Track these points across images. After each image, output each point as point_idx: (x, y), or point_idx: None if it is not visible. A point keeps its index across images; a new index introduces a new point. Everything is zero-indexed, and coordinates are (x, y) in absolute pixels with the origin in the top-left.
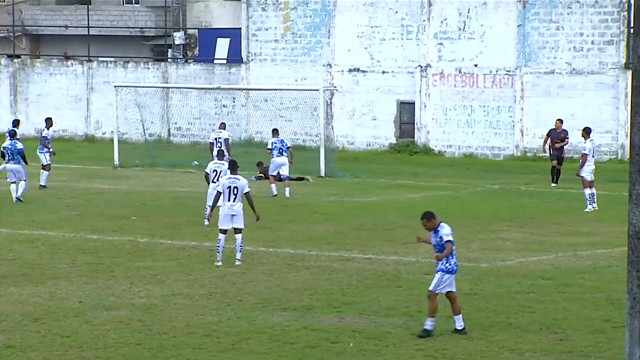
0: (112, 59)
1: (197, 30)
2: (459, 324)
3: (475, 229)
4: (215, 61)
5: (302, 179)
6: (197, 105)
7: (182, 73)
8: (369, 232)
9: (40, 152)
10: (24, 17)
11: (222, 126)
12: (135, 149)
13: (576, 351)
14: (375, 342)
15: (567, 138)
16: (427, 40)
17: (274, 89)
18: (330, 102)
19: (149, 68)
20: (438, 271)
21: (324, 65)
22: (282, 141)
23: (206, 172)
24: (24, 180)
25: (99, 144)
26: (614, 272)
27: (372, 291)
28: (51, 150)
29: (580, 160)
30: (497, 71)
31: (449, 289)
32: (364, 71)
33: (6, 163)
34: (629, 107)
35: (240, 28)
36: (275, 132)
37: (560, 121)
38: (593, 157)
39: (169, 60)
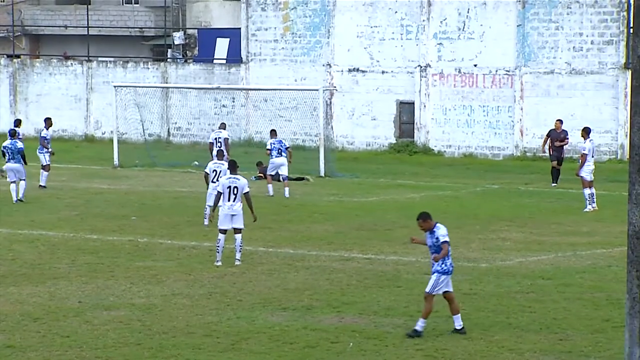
0: (111, 59)
1: (196, 30)
2: (458, 323)
3: (475, 229)
4: (215, 61)
5: (302, 178)
6: (197, 105)
7: (182, 73)
8: (369, 232)
9: (40, 153)
10: (23, 17)
11: (222, 126)
12: (135, 149)
13: (576, 351)
14: (375, 342)
15: (567, 138)
16: (426, 40)
17: (274, 89)
18: (330, 102)
19: (148, 68)
20: (434, 272)
21: (323, 65)
22: (280, 142)
23: (206, 172)
24: (24, 180)
25: (98, 144)
26: (614, 272)
27: (372, 291)
28: (50, 150)
29: (580, 160)
30: (496, 71)
31: (446, 289)
32: (363, 71)
33: (6, 162)
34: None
35: (239, 28)
36: (273, 132)
37: (560, 121)
38: (593, 157)
39: (168, 60)
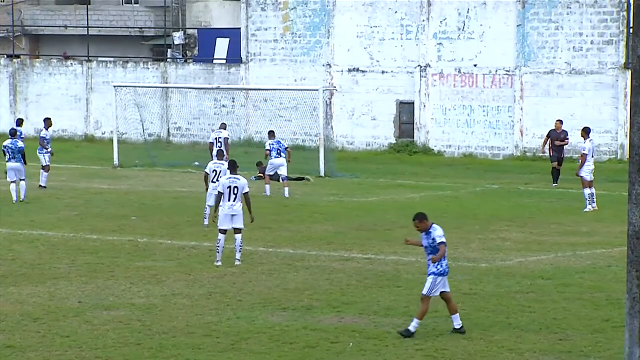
0: (111, 59)
1: (196, 30)
2: (457, 322)
3: (474, 229)
4: (215, 61)
5: (302, 178)
6: (197, 105)
7: (182, 73)
8: (369, 232)
9: (39, 153)
10: (23, 17)
11: (223, 126)
12: (135, 148)
13: (576, 351)
14: (374, 341)
15: (567, 139)
16: (426, 40)
17: (274, 89)
18: (330, 102)
19: (148, 68)
20: (430, 274)
21: (323, 65)
22: (279, 142)
23: (206, 172)
24: (24, 181)
25: (98, 143)
26: (614, 272)
27: (372, 291)
28: (50, 150)
29: (580, 160)
30: (496, 71)
31: (443, 290)
32: (363, 71)
33: (7, 162)
34: (628, 107)
35: (239, 28)
36: (271, 133)
37: (560, 122)
38: (592, 157)
39: (168, 60)
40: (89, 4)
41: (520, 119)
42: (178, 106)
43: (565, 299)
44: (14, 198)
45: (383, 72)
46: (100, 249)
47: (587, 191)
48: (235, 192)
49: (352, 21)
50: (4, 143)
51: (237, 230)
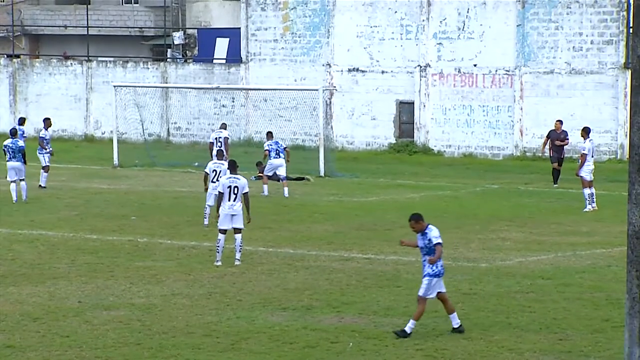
0: (111, 59)
1: (196, 30)
2: (455, 322)
3: (474, 229)
4: (215, 61)
5: (302, 178)
6: (197, 105)
7: (182, 73)
8: (369, 232)
9: (39, 153)
10: (23, 17)
11: (223, 126)
12: (135, 148)
13: (576, 351)
14: (374, 342)
15: (567, 139)
16: (426, 40)
17: (274, 89)
18: (330, 102)
19: (148, 68)
20: (425, 275)
21: (323, 65)
22: (277, 143)
23: (205, 172)
24: (24, 181)
25: (98, 143)
26: (614, 272)
27: (372, 291)
28: (50, 150)
29: (580, 160)
30: (496, 71)
31: (439, 290)
32: (363, 71)
33: (7, 161)
34: (628, 107)
35: (239, 28)
36: (269, 134)
37: (560, 122)
38: (592, 157)
39: (168, 60)
40: (89, 4)
41: (520, 119)
42: (178, 106)
43: (565, 299)
44: (14, 198)
45: (383, 72)
46: (100, 249)
47: (587, 191)
48: (236, 192)
49: (352, 21)
50: (5, 142)
51: (237, 230)
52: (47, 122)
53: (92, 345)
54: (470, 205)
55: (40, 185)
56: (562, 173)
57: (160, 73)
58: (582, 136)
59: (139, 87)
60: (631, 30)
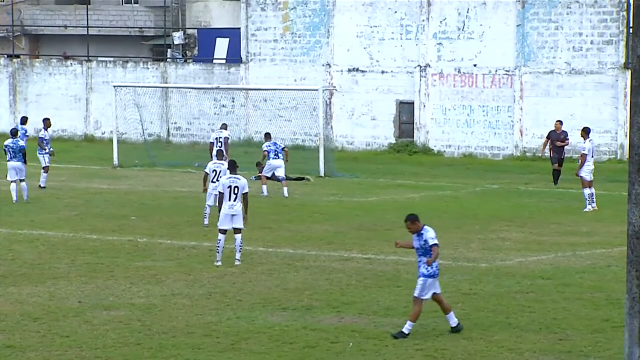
0: (111, 59)
1: (196, 30)
2: (453, 321)
3: (474, 229)
4: (215, 61)
5: (302, 178)
6: (197, 105)
7: (182, 73)
8: (369, 232)
9: (39, 154)
10: (23, 17)
11: (224, 126)
12: (135, 148)
13: (575, 351)
14: (374, 342)
15: (567, 139)
16: (426, 40)
17: (273, 89)
18: (330, 102)
19: (148, 68)
20: (420, 276)
21: (323, 65)
22: (275, 144)
23: (205, 172)
24: (24, 181)
25: (98, 143)
26: (613, 272)
27: (372, 291)
28: (51, 150)
29: (580, 160)
30: (496, 71)
31: (434, 291)
32: (363, 71)
33: (8, 161)
34: (628, 107)
35: (239, 28)
36: (267, 135)
37: (560, 122)
38: (592, 157)
39: (168, 60)
40: (89, 4)
41: (520, 119)
42: (178, 106)
43: (565, 299)
44: (14, 198)
45: (383, 72)
46: (100, 249)
47: (587, 191)
48: (236, 192)
49: (352, 21)
50: (5, 142)
51: (237, 230)
52: (46, 123)
53: (92, 345)
54: (470, 206)
55: (40, 186)
56: (562, 173)
57: (160, 73)
58: (582, 136)
59: (138, 87)
60: (631, 30)
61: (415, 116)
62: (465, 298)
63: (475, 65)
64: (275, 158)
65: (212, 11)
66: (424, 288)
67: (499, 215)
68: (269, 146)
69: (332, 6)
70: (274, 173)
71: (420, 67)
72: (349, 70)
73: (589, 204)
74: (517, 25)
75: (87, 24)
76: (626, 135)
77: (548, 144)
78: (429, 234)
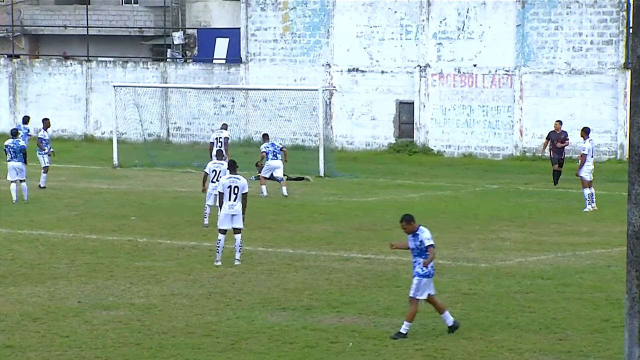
0: (111, 59)
1: (196, 30)
2: (449, 320)
3: (474, 229)
4: (215, 61)
5: (302, 178)
6: (196, 105)
7: (181, 73)
8: (368, 232)
9: (39, 154)
10: (23, 17)
11: (224, 127)
12: (135, 148)
13: (575, 351)
14: (374, 342)
15: (567, 139)
16: (426, 40)
17: (273, 89)
18: (330, 102)
19: (148, 68)
20: (415, 276)
21: (323, 65)
22: (273, 144)
23: (205, 172)
24: (25, 182)
25: (98, 143)
26: (613, 272)
27: (372, 291)
28: (51, 150)
29: (580, 160)
30: (496, 71)
31: (429, 292)
32: (363, 71)
33: (8, 161)
34: (628, 107)
35: (239, 28)
36: (265, 136)
37: (560, 122)
38: (592, 157)
39: (168, 60)
40: (89, 4)
41: (520, 119)
42: (178, 106)
43: (565, 299)
44: (14, 198)
45: (383, 72)
46: (100, 249)
47: (586, 191)
48: (236, 192)
49: (351, 21)
50: (6, 143)
51: (236, 231)
52: (46, 123)
53: (92, 345)
54: (470, 206)
55: (40, 186)
56: (562, 173)
57: (160, 73)
58: (581, 136)
59: (138, 87)
60: (631, 30)
61: (415, 116)
62: (465, 298)
63: (475, 66)
64: (274, 159)
65: (212, 11)
66: (419, 288)
67: (498, 216)
68: (267, 147)
69: (332, 6)
70: (272, 174)
71: (420, 67)
72: (349, 71)
73: (589, 204)
74: (517, 26)
75: (87, 24)
76: (626, 135)
77: (548, 144)
78: (425, 235)
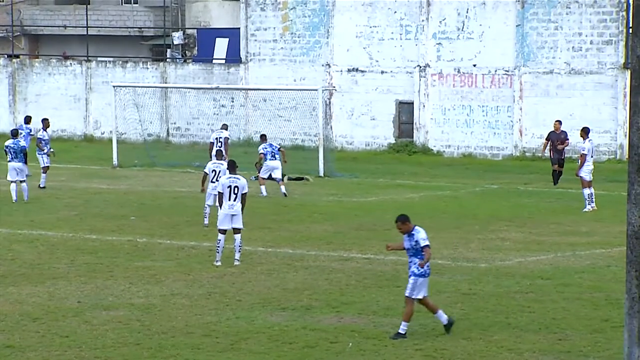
0: (110, 59)
1: (195, 30)
2: (444, 318)
3: (474, 229)
4: (214, 61)
5: (302, 178)
6: (196, 105)
7: (181, 73)
8: (368, 232)
9: (38, 154)
10: (22, 17)
11: (224, 127)
12: (134, 148)
13: (575, 351)
14: (374, 341)
15: (567, 139)
16: (425, 40)
17: (273, 89)
18: (329, 102)
19: (147, 68)
20: (411, 275)
21: (322, 65)
22: (271, 145)
23: (205, 172)
24: (25, 182)
25: (97, 143)
26: (613, 272)
27: (371, 291)
28: (51, 150)
29: (579, 160)
30: (495, 71)
31: (423, 294)
32: (362, 71)
33: (9, 162)
34: (627, 107)
35: (239, 28)
36: (263, 137)
37: (559, 122)
38: (592, 157)
39: (167, 60)
40: (89, 4)
41: (520, 119)
42: (177, 106)
43: (564, 299)
44: (14, 198)
45: (382, 72)
46: (100, 249)
47: (586, 191)
48: (236, 192)
49: (351, 21)
50: (6, 143)
51: (236, 231)
52: (45, 123)
53: (92, 345)
54: (470, 206)
55: (39, 186)
56: (563, 173)
57: (160, 73)
58: (581, 136)
59: (138, 87)
60: (630, 30)
61: (415, 116)
62: (465, 298)
63: (474, 66)
64: (273, 159)
65: (211, 11)
66: (415, 287)
67: (498, 216)
68: (265, 148)
69: (332, 6)
70: (271, 174)
71: (420, 67)
72: (349, 71)
73: (589, 204)
74: (516, 26)
75: (87, 24)
76: (626, 135)
77: (548, 145)
78: (420, 235)
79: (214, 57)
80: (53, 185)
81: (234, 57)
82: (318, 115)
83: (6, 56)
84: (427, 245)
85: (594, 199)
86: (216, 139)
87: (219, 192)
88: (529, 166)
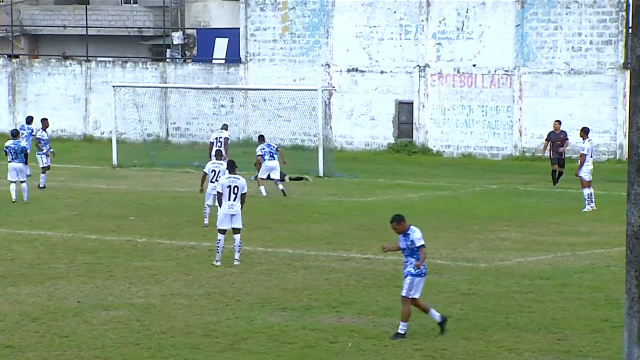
0: (110, 59)
1: (195, 30)
2: (437, 316)
3: (473, 229)
4: (214, 61)
5: (302, 178)
6: (196, 105)
7: (181, 73)
8: (368, 232)
9: (38, 154)
10: (22, 17)
11: (224, 127)
12: (134, 149)
13: (574, 351)
14: (373, 342)
15: (567, 139)
16: (425, 40)
17: (273, 89)
18: (329, 102)
19: (147, 68)
20: (407, 275)
21: (322, 65)
22: (269, 145)
23: (204, 172)
24: (25, 182)
25: (97, 143)
26: (613, 272)
27: (371, 291)
28: (51, 150)
29: (579, 161)
30: (495, 71)
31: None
32: (362, 71)
33: (9, 162)
34: (627, 107)
35: (238, 28)
36: (261, 138)
37: (559, 122)
38: (591, 157)
39: (167, 60)
40: (88, 4)
41: (519, 119)
42: (177, 106)
43: (564, 299)
44: (14, 198)
45: (382, 72)
46: (99, 249)
47: (586, 191)
48: (235, 191)
49: (351, 21)
50: (6, 143)
51: (236, 231)
52: (44, 123)
53: (91, 345)
54: (469, 206)
55: (39, 186)
56: (563, 173)
57: (160, 73)
58: (581, 136)
59: (138, 87)
60: (630, 30)
61: (415, 116)
62: (464, 298)
63: (474, 66)
64: (271, 159)
65: (211, 11)
66: (412, 287)
67: (498, 216)
68: (263, 149)
69: (332, 6)
70: (269, 174)
71: (420, 67)
72: (348, 71)
73: (588, 204)
74: (516, 26)
75: (86, 24)
76: (625, 135)
77: (548, 145)
78: (416, 235)
79: (214, 57)
80: (53, 185)
81: (233, 57)
82: (318, 115)
83: (6, 56)
84: (422, 246)
85: (593, 199)
86: (216, 139)
87: (218, 192)
88: (529, 166)
